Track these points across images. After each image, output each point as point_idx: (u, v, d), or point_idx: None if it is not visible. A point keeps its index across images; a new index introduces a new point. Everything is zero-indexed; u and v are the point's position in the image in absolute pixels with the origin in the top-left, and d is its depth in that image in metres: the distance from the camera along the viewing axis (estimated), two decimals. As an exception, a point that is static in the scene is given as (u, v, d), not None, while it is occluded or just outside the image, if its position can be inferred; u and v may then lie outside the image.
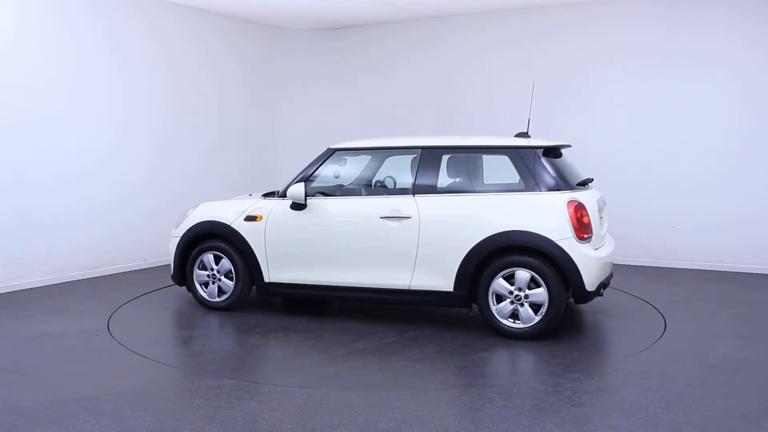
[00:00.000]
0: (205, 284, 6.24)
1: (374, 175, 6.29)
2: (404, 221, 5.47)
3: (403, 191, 5.72)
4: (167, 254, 8.60)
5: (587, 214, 5.20)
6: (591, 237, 5.22)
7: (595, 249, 5.31)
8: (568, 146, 6.01)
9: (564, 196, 5.22)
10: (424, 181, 5.56)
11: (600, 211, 5.58)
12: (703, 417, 3.74)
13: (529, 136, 5.77)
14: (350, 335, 5.41)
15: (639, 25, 8.32)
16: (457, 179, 5.75)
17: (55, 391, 4.14)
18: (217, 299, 6.18)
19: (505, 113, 9.18)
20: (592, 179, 5.86)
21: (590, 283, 5.14)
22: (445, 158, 5.68)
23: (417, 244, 5.43)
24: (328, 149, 6.01)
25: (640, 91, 8.37)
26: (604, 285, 5.44)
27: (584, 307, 6.37)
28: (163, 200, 8.51)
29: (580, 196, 5.31)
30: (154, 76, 8.35)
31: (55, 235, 7.29)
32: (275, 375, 4.58)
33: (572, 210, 5.13)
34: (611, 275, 5.80)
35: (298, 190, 5.70)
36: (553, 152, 5.58)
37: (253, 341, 5.36)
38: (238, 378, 4.39)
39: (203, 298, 6.25)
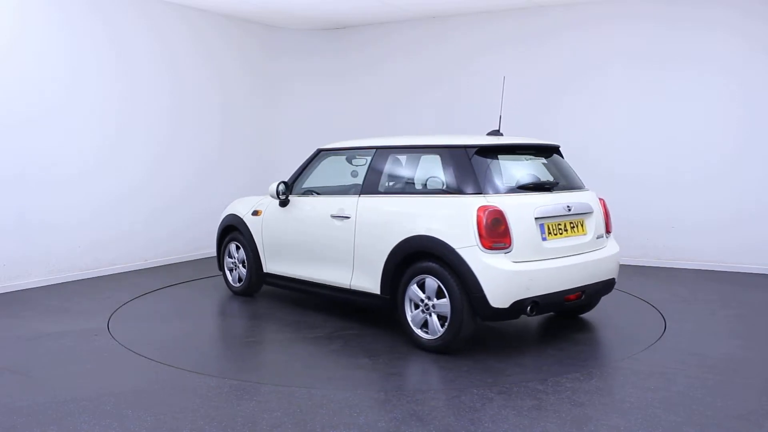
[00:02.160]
0: (231, 270, 6.90)
1: (344, 175, 6.35)
2: (346, 221, 5.55)
3: (354, 191, 5.76)
4: (167, 254, 8.65)
5: (505, 222, 4.67)
6: (507, 247, 4.67)
7: (528, 261, 4.74)
8: (528, 145, 5.48)
9: (477, 201, 4.74)
10: (370, 181, 5.55)
11: (571, 217, 5.08)
12: (703, 417, 3.74)
13: (501, 134, 5.65)
14: (351, 335, 5.41)
15: (639, 25, 8.32)
16: (396, 180, 5.67)
17: (55, 391, 4.14)
18: (236, 285, 6.83)
19: (505, 113, 9.18)
20: (557, 182, 5.27)
21: (495, 298, 4.60)
22: (390, 159, 5.62)
23: (354, 244, 5.46)
24: (317, 149, 6.28)
25: (640, 91, 8.37)
26: (535, 303, 4.73)
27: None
28: (164, 200, 8.52)
29: (502, 201, 4.76)
30: (154, 76, 8.35)
31: (55, 235, 7.29)
32: (275, 375, 4.58)
33: (481, 216, 4.64)
34: (601, 289, 5.31)
35: (272, 188, 6.15)
36: (495, 151, 5.14)
37: (254, 341, 5.36)
38: (238, 378, 4.39)
39: (227, 282, 6.95)
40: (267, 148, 10.16)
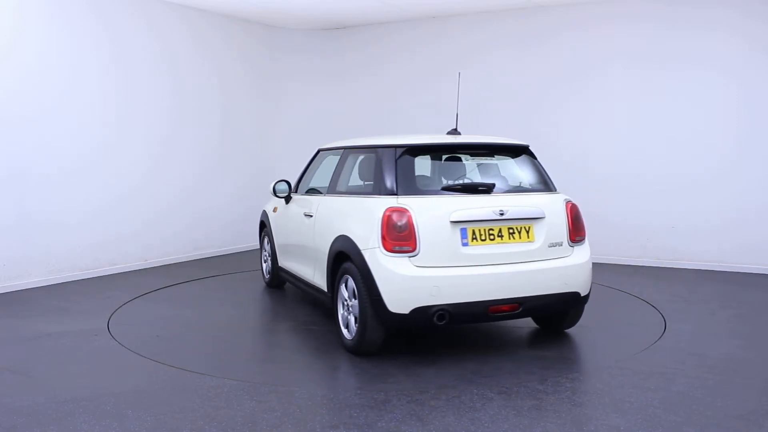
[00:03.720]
0: (264, 263, 7.35)
1: (327, 175, 6.38)
2: (310, 219, 5.72)
3: (325, 191, 5.84)
4: (167, 254, 8.65)
5: (410, 225, 4.49)
6: (412, 251, 4.49)
7: (440, 267, 4.52)
8: (467, 145, 5.26)
9: (387, 202, 4.64)
10: (332, 181, 5.70)
11: (508, 222, 4.73)
12: (703, 417, 3.74)
13: (459, 133, 5.60)
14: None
15: (639, 25, 8.32)
16: (345, 180, 5.73)
17: (55, 391, 4.14)
18: (266, 276, 7.30)
19: (505, 113, 9.19)
20: (493, 185, 4.96)
21: (393, 303, 4.47)
22: (348, 159, 5.69)
23: (314, 241, 5.59)
24: (318, 149, 6.50)
25: (640, 91, 8.37)
26: (444, 312, 4.48)
27: (584, 307, 6.34)
28: (164, 201, 8.52)
29: (413, 203, 4.60)
30: (154, 76, 8.35)
31: (55, 235, 7.29)
32: (275, 375, 4.58)
33: (385, 217, 4.52)
34: (553, 303, 4.88)
35: (271, 186, 6.46)
36: (426, 152, 5.07)
37: (254, 341, 5.36)
38: (238, 378, 4.39)
39: (262, 274, 7.44)
40: (267, 148, 10.16)
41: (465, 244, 4.60)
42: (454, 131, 5.61)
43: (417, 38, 9.70)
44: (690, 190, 8.16)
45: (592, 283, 5.15)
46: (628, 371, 4.52)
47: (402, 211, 4.54)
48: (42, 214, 7.15)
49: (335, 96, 10.30)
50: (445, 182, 5.06)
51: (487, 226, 4.68)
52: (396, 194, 4.69)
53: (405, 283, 4.46)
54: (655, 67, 8.25)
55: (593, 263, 5.36)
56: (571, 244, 4.95)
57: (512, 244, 4.74)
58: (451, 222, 4.58)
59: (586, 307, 6.30)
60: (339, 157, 5.81)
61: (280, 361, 4.93)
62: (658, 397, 4.02)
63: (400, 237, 4.50)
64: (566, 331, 5.50)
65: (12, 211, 6.90)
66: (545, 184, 5.17)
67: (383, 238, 4.51)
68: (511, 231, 4.75)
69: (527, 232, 4.79)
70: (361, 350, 4.78)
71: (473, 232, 4.63)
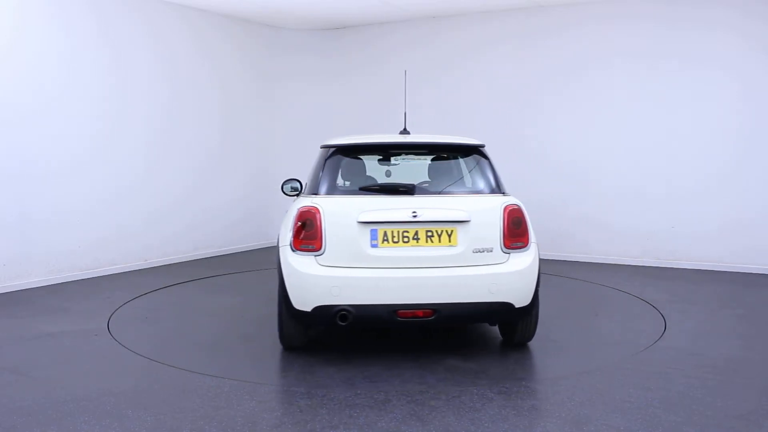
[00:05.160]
0: None
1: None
2: None
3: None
4: (167, 254, 8.66)
5: (316, 224, 4.52)
6: (317, 250, 4.51)
7: (346, 267, 4.50)
8: (397, 145, 5.18)
9: (304, 201, 4.73)
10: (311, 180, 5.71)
11: (426, 225, 4.55)
12: (703, 417, 3.74)
13: (408, 132, 5.53)
14: (352, 335, 5.41)
15: (639, 25, 8.32)
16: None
17: (55, 391, 4.14)
18: None
19: (505, 112, 9.19)
20: (413, 186, 4.89)
21: (296, 300, 4.54)
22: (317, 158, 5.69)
23: None
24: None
25: (640, 91, 8.37)
26: (346, 312, 4.44)
27: (584, 307, 6.35)
28: (163, 201, 8.52)
29: (324, 202, 4.64)
30: (154, 76, 8.35)
31: (55, 235, 7.29)
32: (275, 375, 4.58)
33: (297, 216, 4.61)
34: (475, 314, 4.64)
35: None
36: (357, 152, 5.09)
37: (254, 341, 5.36)
38: (238, 378, 4.39)
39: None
40: (267, 148, 10.16)
41: (374, 246, 4.53)
42: (405, 131, 5.56)
43: (417, 38, 9.70)
44: (690, 190, 8.16)
45: (534, 293, 4.67)
46: (628, 371, 4.52)
47: (312, 210, 4.59)
48: (42, 213, 7.15)
49: (335, 96, 10.30)
50: (365, 183, 5.05)
51: (402, 228, 4.55)
52: (317, 194, 4.80)
53: (307, 281, 4.50)
54: (655, 67, 8.25)
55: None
56: (505, 250, 4.62)
57: (429, 248, 4.55)
58: (359, 222, 4.53)
59: (586, 306, 6.33)
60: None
61: (280, 361, 4.93)
62: (658, 397, 4.02)
63: (307, 236, 4.56)
64: (566, 331, 5.49)
65: (12, 209, 6.90)
66: (489, 186, 4.93)
67: (294, 236, 4.60)
68: (429, 234, 4.56)
69: (449, 236, 4.57)
70: (284, 344, 4.97)
71: (384, 234, 4.54)
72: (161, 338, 5.39)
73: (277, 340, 5.08)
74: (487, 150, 5.19)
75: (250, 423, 3.67)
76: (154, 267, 8.29)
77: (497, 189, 4.92)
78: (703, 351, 4.94)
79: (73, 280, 7.42)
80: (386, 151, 5.25)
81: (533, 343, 5.15)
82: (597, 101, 8.63)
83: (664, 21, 8.18)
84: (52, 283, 7.23)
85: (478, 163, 5.07)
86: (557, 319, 5.88)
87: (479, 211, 4.66)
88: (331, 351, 5.01)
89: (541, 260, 4.84)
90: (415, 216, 4.52)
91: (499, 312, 4.61)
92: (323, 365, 4.71)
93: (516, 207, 4.70)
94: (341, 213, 4.59)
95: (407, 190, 4.81)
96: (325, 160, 4.95)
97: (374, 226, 4.53)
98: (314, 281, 4.47)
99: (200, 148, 9.05)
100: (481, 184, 4.97)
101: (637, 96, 8.39)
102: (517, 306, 4.59)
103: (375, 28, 9.99)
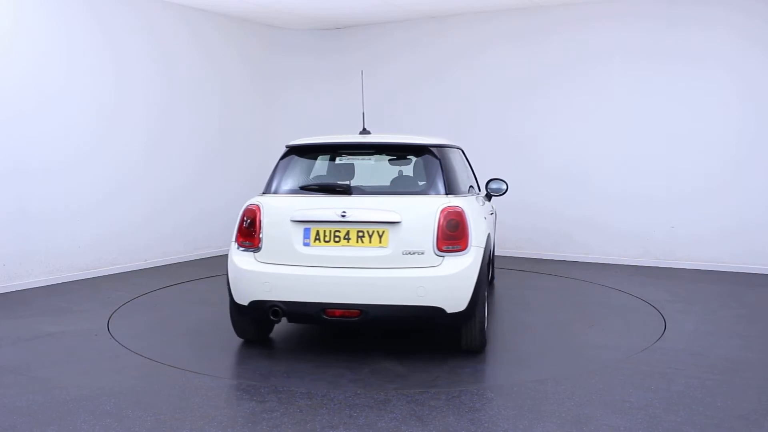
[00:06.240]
0: None
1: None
2: None
3: None
4: (167, 254, 8.66)
5: (256, 222, 4.70)
6: (255, 247, 4.68)
7: (280, 264, 4.60)
8: (342, 144, 5.18)
9: (252, 200, 4.91)
10: None
11: (356, 225, 4.55)
12: (703, 417, 3.74)
13: (369, 132, 5.54)
14: (353, 336, 5.41)
15: (639, 24, 8.32)
16: None
17: (55, 391, 4.14)
18: None
19: (505, 113, 9.19)
20: (348, 185, 4.92)
21: (236, 294, 4.75)
22: None
23: None
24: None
25: (640, 91, 8.37)
26: (278, 308, 4.56)
27: (583, 306, 6.35)
28: (163, 200, 8.53)
29: (264, 201, 4.82)
30: (152, 75, 8.35)
31: (55, 235, 7.29)
32: (275, 375, 4.58)
33: (242, 214, 4.83)
34: (403, 317, 4.52)
35: None
36: (310, 152, 5.18)
37: (254, 341, 5.35)
38: (238, 378, 4.39)
39: None
40: (266, 148, 10.15)
41: (306, 244, 4.61)
42: (364, 131, 5.58)
43: (417, 38, 9.70)
44: (690, 190, 8.16)
45: (471, 299, 4.50)
46: (628, 371, 4.52)
47: (253, 209, 4.79)
48: (42, 212, 7.15)
49: (335, 96, 10.29)
50: (305, 182, 5.08)
51: (333, 227, 4.58)
52: (266, 193, 4.98)
53: (244, 276, 4.67)
54: (656, 66, 8.25)
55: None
56: (438, 253, 4.49)
57: (359, 248, 4.54)
58: (292, 221, 4.65)
59: (586, 306, 6.32)
60: None
61: (280, 361, 4.93)
62: (658, 397, 4.02)
63: (247, 233, 4.76)
64: (566, 331, 5.49)
65: (12, 211, 6.90)
66: (431, 187, 4.79)
67: (237, 233, 4.83)
68: (360, 234, 4.56)
69: (380, 236, 4.53)
70: (240, 337, 5.17)
71: (317, 233, 4.60)
72: (161, 338, 5.39)
73: (279, 341, 5.08)
74: (463, 151, 5.19)
75: (250, 423, 3.67)
76: (155, 267, 8.29)
77: (442, 190, 4.77)
78: (703, 351, 4.94)
79: (73, 279, 7.42)
80: (337, 152, 5.25)
81: (532, 344, 5.15)
82: (597, 101, 8.63)
83: (665, 21, 8.18)
84: (52, 283, 7.23)
85: (426, 163, 4.96)
86: (556, 319, 5.88)
87: (412, 212, 4.58)
88: (333, 351, 5.02)
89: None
90: (344, 216, 4.55)
91: (429, 316, 4.50)
92: (324, 366, 4.70)
93: (454, 209, 4.55)
94: (278, 212, 4.74)
95: (344, 189, 4.81)
96: (279, 160, 5.14)
97: (307, 225, 4.63)
98: (250, 276, 4.65)
99: (199, 148, 9.05)
100: (423, 185, 4.89)
101: (637, 96, 8.39)
102: (449, 311, 4.47)
103: (375, 28, 9.99)
